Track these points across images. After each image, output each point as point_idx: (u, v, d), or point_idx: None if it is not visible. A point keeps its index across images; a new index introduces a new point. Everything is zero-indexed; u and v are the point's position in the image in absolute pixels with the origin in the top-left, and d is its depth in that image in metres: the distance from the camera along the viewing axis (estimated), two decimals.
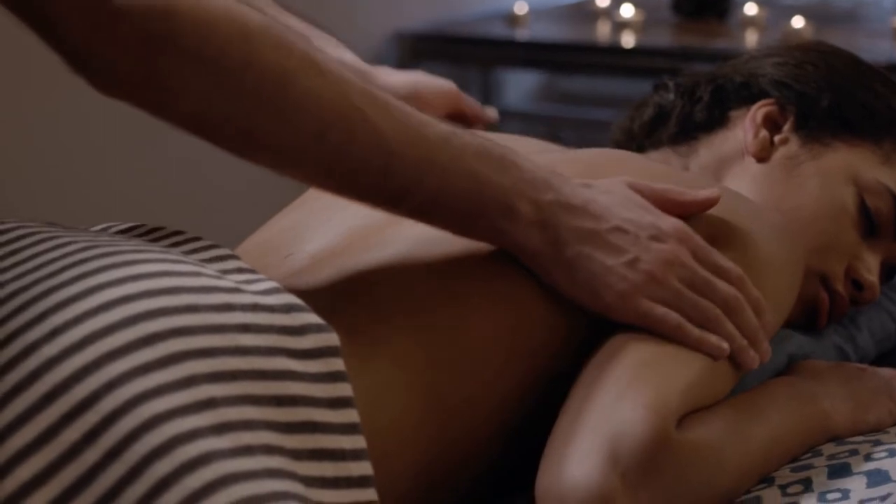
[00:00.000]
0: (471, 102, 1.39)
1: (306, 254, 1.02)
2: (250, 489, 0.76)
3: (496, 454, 1.00)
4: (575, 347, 1.00)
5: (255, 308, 0.84)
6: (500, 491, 1.06)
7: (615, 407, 0.92)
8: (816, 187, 1.23)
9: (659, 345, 0.97)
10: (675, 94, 1.32)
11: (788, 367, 1.18)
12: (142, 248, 0.86)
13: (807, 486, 1.00)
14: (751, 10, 2.82)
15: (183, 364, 0.79)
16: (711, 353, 0.97)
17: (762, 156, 1.26)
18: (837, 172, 1.24)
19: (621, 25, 2.82)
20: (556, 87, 3.15)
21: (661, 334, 0.96)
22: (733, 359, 0.99)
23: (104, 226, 0.94)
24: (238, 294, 0.84)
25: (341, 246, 1.02)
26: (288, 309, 0.85)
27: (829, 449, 1.06)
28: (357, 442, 0.84)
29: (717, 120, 1.29)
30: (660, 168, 1.17)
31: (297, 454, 0.80)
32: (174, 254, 0.87)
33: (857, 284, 1.24)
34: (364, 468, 0.84)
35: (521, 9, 2.92)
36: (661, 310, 0.96)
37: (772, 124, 1.27)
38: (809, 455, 1.05)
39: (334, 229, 1.05)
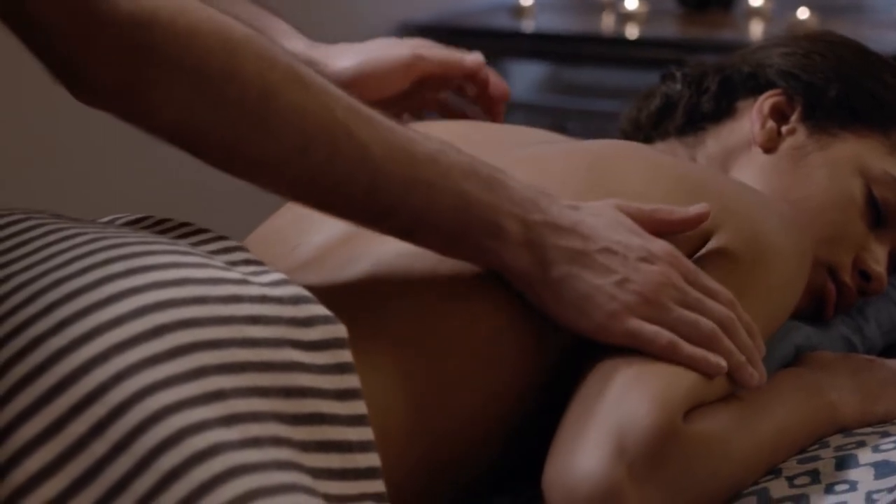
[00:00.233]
0: (490, 75, 1.33)
1: (313, 245, 1.02)
2: (258, 481, 0.76)
3: (498, 446, 1.00)
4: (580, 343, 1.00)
5: (263, 300, 0.84)
6: (503, 482, 1.06)
7: (622, 399, 0.92)
8: (824, 178, 1.23)
9: None
10: (683, 85, 1.32)
11: (796, 359, 1.17)
12: (149, 239, 0.86)
13: (814, 477, 1.00)
14: (756, 0, 2.81)
15: (191, 356, 0.79)
16: (708, 371, 0.95)
17: (769, 146, 1.25)
18: (845, 163, 1.23)
19: (626, 17, 2.81)
20: (561, 79, 3.14)
21: (652, 355, 0.94)
22: (731, 377, 0.97)
23: (111, 217, 0.94)
24: (246, 286, 0.84)
25: (348, 237, 1.02)
26: (296, 300, 0.85)
27: (836, 440, 1.06)
28: (364, 433, 0.84)
29: (724, 110, 1.29)
30: (667, 159, 1.17)
31: (305, 446, 0.80)
32: (182, 245, 0.87)
33: (864, 275, 1.24)
34: (371, 459, 0.84)
35: (526, 0, 2.91)
36: (650, 328, 0.94)
37: (779, 115, 1.26)
38: (817, 446, 1.05)
39: (342, 221, 1.05)
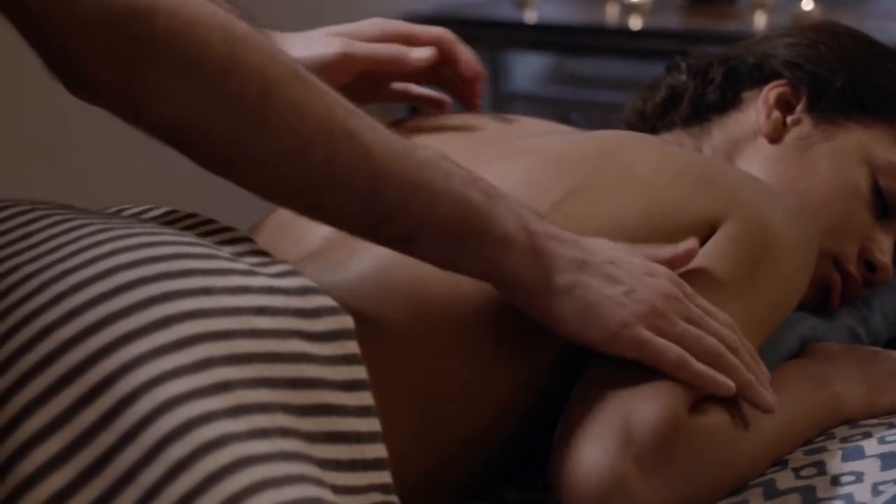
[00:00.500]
0: (462, 56, 1.22)
1: (319, 237, 1.02)
2: (266, 472, 0.75)
3: (504, 436, 1.00)
4: None
5: (269, 291, 0.83)
6: (511, 473, 1.06)
7: (628, 390, 0.93)
8: (829, 168, 1.23)
9: None
10: (688, 76, 1.32)
11: (801, 350, 1.18)
12: (156, 230, 0.86)
13: (820, 468, 1.00)
14: None
15: (198, 346, 0.79)
16: (717, 390, 0.94)
17: (775, 137, 1.25)
18: (850, 153, 1.23)
19: (630, 7, 2.81)
20: (564, 70, 3.14)
21: (660, 369, 0.93)
22: (743, 397, 0.96)
23: (117, 209, 0.94)
24: (253, 277, 0.84)
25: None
26: (302, 291, 0.85)
27: (842, 432, 1.06)
28: (371, 424, 0.84)
29: (729, 101, 1.29)
30: (674, 149, 1.17)
31: (312, 437, 0.80)
32: (189, 236, 0.87)
33: (869, 266, 1.24)
34: (378, 450, 0.84)
35: None
36: (661, 340, 0.92)
37: (784, 105, 1.26)
38: (822, 438, 1.05)
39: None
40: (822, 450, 1.03)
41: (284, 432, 0.79)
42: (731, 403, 0.97)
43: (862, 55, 1.28)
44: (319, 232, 1.03)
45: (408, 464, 0.90)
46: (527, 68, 3.12)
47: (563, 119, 1.63)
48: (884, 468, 0.99)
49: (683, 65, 1.34)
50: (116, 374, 0.77)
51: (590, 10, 2.96)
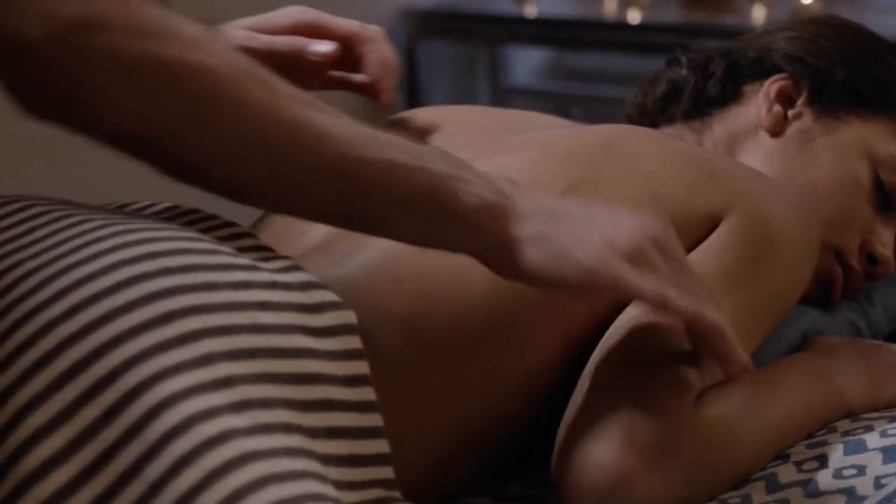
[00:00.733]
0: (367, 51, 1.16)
1: (322, 231, 1.02)
2: (269, 468, 0.75)
3: (506, 430, 1.00)
4: (600, 324, 1.00)
5: (272, 286, 0.83)
6: (511, 467, 1.06)
7: (632, 384, 0.93)
8: (830, 162, 1.23)
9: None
10: (688, 70, 1.32)
11: (802, 343, 1.18)
12: (158, 226, 0.86)
13: (822, 462, 1.00)
14: None
15: (201, 342, 0.78)
16: (699, 323, 0.90)
17: (776, 130, 1.25)
18: (851, 147, 1.23)
19: (629, 1, 2.81)
20: (563, 64, 3.14)
21: (642, 301, 0.89)
22: (716, 352, 0.92)
23: (119, 204, 0.94)
24: (255, 272, 0.84)
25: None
26: (305, 286, 0.85)
27: (844, 425, 1.06)
28: (373, 420, 0.84)
29: (730, 95, 1.29)
30: (677, 143, 1.17)
31: (315, 432, 0.80)
32: (191, 232, 0.86)
33: (871, 259, 1.24)
34: (380, 446, 0.83)
35: None
36: (639, 274, 0.88)
37: (785, 99, 1.26)
38: (824, 431, 1.05)
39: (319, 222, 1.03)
40: (824, 443, 1.03)
41: (287, 428, 0.79)
42: (735, 397, 0.97)
43: (862, 49, 1.28)
44: (322, 226, 1.02)
45: (410, 459, 0.90)
46: (526, 63, 3.12)
47: (564, 113, 1.62)
48: (886, 461, 0.99)
49: (684, 59, 1.34)
50: (119, 369, 0.77)
51: (589, 4, 2.96)
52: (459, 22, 2.87)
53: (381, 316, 0.93)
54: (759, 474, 1.00)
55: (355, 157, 0.84)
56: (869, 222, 1.23)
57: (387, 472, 0.84)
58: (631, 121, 1.34)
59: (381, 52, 1.14)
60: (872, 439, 1.02)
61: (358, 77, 1.17)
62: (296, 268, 0.86)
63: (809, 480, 0.98)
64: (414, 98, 2.78)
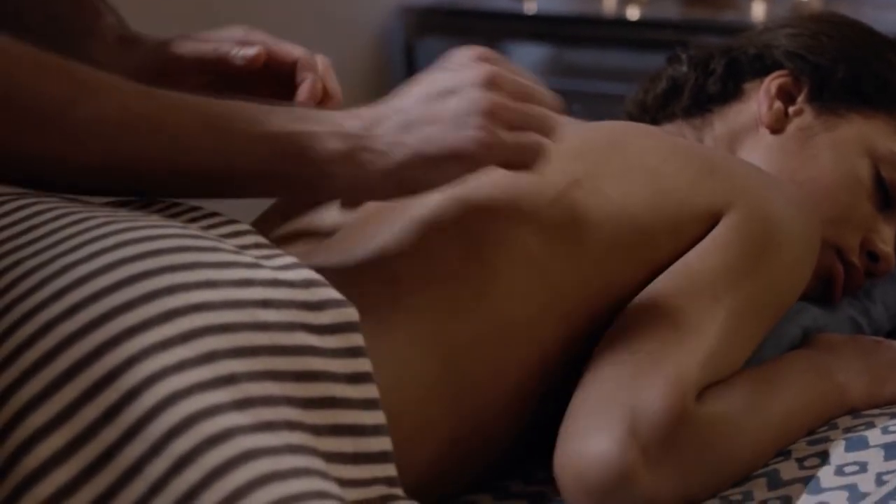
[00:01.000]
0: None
1: (325, 226, 1.02)
2: (271, 465, 0.75)
3: (512, 424, 1.00)
4: (602, 321, 1.00)
5: (274, 283, 0.83)
6: (514, 467, 1.06)
7: (634, 381, 0.93)
8: (831, 159, 1.23)
9: (676, 315, 0.97)
10: (689, 67, 1.32)
11: (803, 341, 1.18)
12: (160, 223, 0.86)
13: (824, 459, 1.00)
14: None
15: (203, 339, 0.78)
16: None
17: (776, 127, 1.25)
18: (852, 144, 1.23)
19: None
20: (562, 61, 3.13)
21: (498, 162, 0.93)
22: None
23: (120, 201, 0.93)
24: (257, 269, 0.84)
25: (358, 218, 1.02)
26: (307, 284, 0.85)
27: (845, 422, 1.06)
28: (376, 417, 0.83)
29: (730, 92, 1.29)
30: (679, 140, 1.17)
31: (317, 430, 0.80)
32: (193, 229, 0.86)
33: (872, 256, 1.24)
34: (383, 443, 0.83)
35: None
36: (519, 134, 0.92)
37: (786, 96, 1.26)
38: (826, 428, 1.05)
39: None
40: (826, 440, 1.03)
41: (290, 425, 0.78)
42: (736, 395, 0.97)
43: (863, 46, 1.28)
44: (325, 221, 1.02)
45: (413, 456, 0.90)
46: (525, 59, 3.12)
47: (564, 110, 1.62)
48: (887, 458, 0.99)
49: (684, 56, 1.34)
50: (120, 368, 0.76)
51: (587, 0, 2.96)
52: (458, 18, 2.87)
53: (380, 312, 0.93)
54: (760, 471, 1.00)
55: (183, 128, 0.88)
56: (870, 219, 1.23)
57: (389, 469, 0.84)
58: (631, 118, 1.34)
59: (314, 84, 1.13)
60: (874, 436, 1.02)
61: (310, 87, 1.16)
62: (298, 265, 0.86)
63: (811, 477, 0.98)
64: None
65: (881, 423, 1.04)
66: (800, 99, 1.26)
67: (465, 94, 0.93)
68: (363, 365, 0.84)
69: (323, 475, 0.78)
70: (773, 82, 1.26)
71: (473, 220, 0.99)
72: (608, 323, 1.00)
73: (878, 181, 1.23)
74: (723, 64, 1.30)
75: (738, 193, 1.06)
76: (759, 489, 0.97)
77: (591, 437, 0.91)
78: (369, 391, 0.83)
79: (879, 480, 0.96)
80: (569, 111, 1.65)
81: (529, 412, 1.00)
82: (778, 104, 1.25)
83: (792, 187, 1.14)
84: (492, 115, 0.92)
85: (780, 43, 1.29)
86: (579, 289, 1.00)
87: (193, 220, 0.89)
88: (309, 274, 0.86)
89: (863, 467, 0.98)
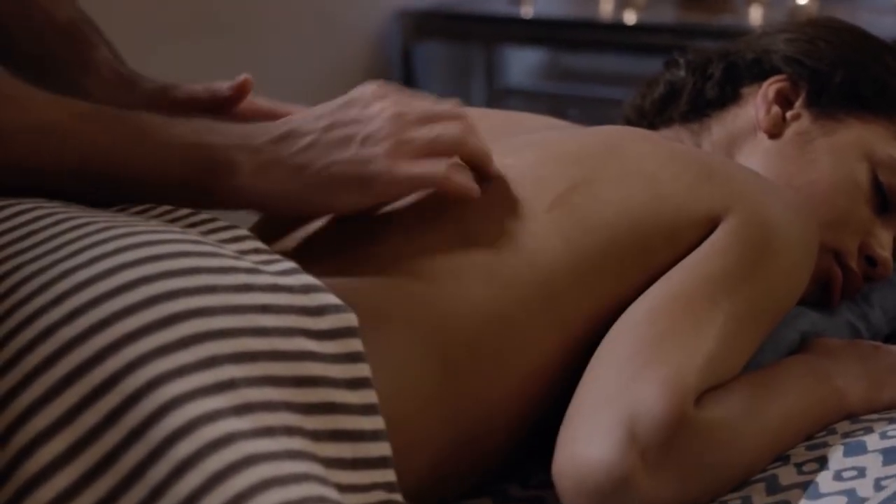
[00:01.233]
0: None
1: (322, 231, 1.02)
2: (271, 470, 0.75)
3: (509, 429, 1.00)
4: (600, 326, 1.00)
5: (274, 289, 0.83)
6: (514, 471, 1.06)
7: (633, 385, 0.93)
8: (829, 163, 1.23)
9: (674, 320, 0.97)
10: (687, 72, 1.32)
11: (801, 345, 1.18)
12: (160, 228, 0.86)
13: (822, 464, 1.00)
14: None
15: (203, 345, 0.78)
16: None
17: (774, 132, 1.25)
18: (850, 148, 1.23)
19: (625, 2, 2.82)
20: (559, 65, 3.14)
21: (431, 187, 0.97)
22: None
23: (121, 206, 0.94)
24: (257, 275, 0.84)
25: (356, 222, 1.02)
26: (307, 289, 0.85)
27: (843, 427, 1.06)
28: (376, 422, 0.83)
29: (728, 97, 1.29)
30: (676, 145, 1.17)
31: (317, 435, 0.80)
32: (193, 234, 0.87)
33: (870, 260, 1.24)
34: (383, 449, 0.83)
35: None
36: (424, 163, 0.96)
37: (784, 100, 1.27)
38: (824, 433, 1.05)
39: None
40: (824, 445, 1.03)
41: (290, 430, 0.78)
42: (734, 400, 0.97)
43: (861, 50, 1.28)
44: (320, 223, 1.02)
45: (412, 462, 0.90)
46: (522, 63, 3.13)
47: (560, 114, 1.63)
48: (886, 463, 0.99)
49: (682, 61, 1.34)
50: (121, 373, 0.76)
51: (585, 4, 2.97)
52: (456, 22, 2.88)
53: (379, 317, 0.93)
54: (759, 476, 0.99)
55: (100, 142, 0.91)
56: (868, 224, 1.23)
57: (389, 475, 0.84)
58: (629, 123, 1.34)
59: (246, 80, 1.18)
60: (872, 441, 1.02)
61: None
62: (297, 271, 0.86)
63: (810, 482, 0.98)
64: None
65: (880, 427, 1.04)
66: (798, 104, 1.26)
67: (372, 124, 0.96)
68: (362, 370, 0.84)
69: (322, 481, 0.78)
70: (770, 87, 1.27)
71: (471, 224, 0.99)
72: (607, 327, 1.00)
73: (876, 185, 1.23)
74: (721, 68, 1.30)
75: (737, 198, 1.06)
76: (758, 494, 0.97)
77: (590, 441, 0.90)
78: (368, 396, 0.84)
79: (878, 485, 0.96)
80: (565, 115, 1.65)
81: (529, 417, 1.00)
82: (776, 109, 1.26)
83: (790, 192, 1.14)
84: (398, 143, 0.95)
85: (777, 48, 1.29)
86: (578, 293, 1.00)
87: (193, 226, 0.89)
88: (308, 279, 0.86)
89: (861, 472, 0.98)
